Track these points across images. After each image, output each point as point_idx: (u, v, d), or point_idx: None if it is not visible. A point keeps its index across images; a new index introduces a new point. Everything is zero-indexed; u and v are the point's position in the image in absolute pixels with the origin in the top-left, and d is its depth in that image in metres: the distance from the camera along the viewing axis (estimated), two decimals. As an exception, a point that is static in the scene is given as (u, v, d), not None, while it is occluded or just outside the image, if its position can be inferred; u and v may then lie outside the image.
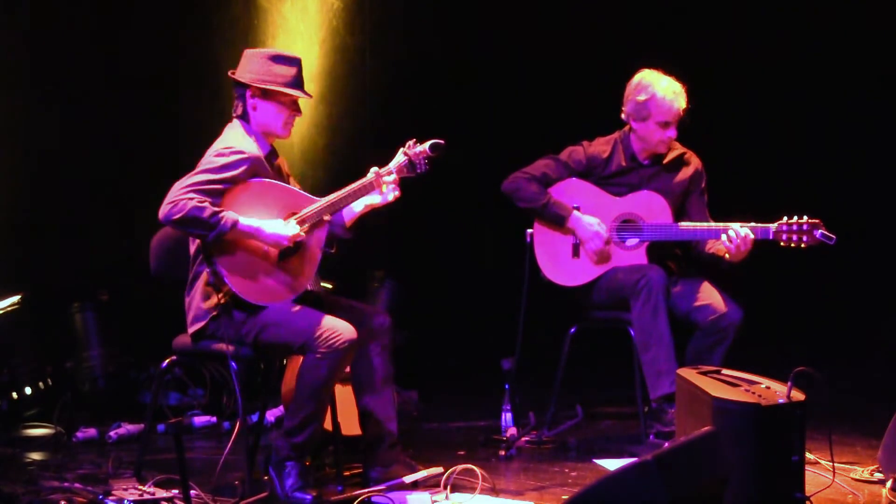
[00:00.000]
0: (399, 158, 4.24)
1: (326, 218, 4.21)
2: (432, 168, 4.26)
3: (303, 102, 4.30)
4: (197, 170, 4.09)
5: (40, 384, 5.58)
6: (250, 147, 4.16)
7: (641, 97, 4.94)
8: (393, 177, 4.22)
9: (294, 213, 4.18)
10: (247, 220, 4.05)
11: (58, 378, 5.67)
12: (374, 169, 4.23)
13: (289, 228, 4.11)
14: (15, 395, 5.49)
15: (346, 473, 4.38)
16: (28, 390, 5.53)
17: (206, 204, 3.99)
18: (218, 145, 4.16)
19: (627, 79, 5.04)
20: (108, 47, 6.04)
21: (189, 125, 6.10)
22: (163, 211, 3.99)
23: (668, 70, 5.00)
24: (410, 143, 4.25)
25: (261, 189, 4.15)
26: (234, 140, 4.17)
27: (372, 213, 4.37)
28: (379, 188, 4.22)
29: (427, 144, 4.22)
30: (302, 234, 4.15)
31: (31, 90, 5.93)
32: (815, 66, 7.21)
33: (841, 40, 7.14)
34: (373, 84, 6.92)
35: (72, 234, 6.01)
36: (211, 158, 4.11)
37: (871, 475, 4.33)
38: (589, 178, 5.07)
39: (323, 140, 6.70)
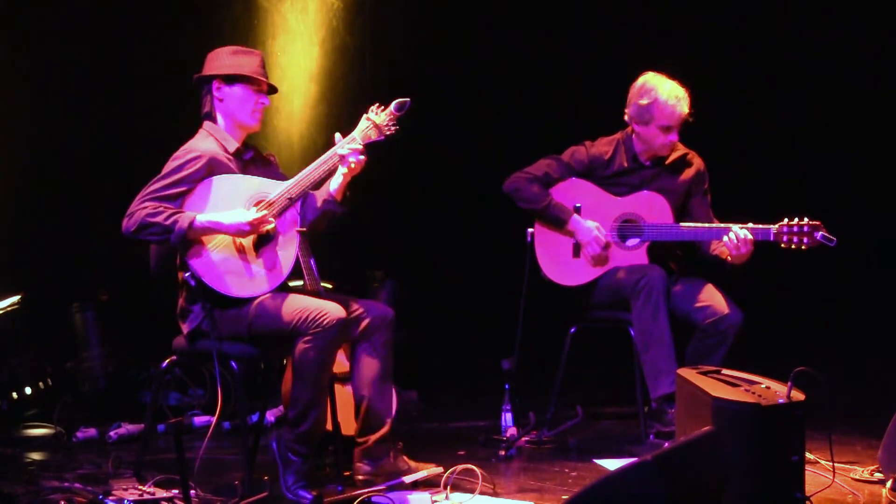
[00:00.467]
0: (362, 125, 4.19)
1: (289, 197, 4.15)
2: (401, 128, 4.20)
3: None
4: (153, 179, 4.11)
5: (40, 384, 5.58)
6: (206, 146, 4.19)
7: (644, 101, 4.94)
8: (357, 144, 4.17)
9: (261, 201, 4.18)
10: (204, 216, 4.05)
11: (58, 378, 5.67)
12: (337, 135, 4.21)
13: (248, 214, 4.08)
14: (15, 395, 5.49)
15: (346, 473, 4.37)
16: (28, 390, 5.54)
17: (161, 209, 4.01)
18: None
19: (629, 79, 5.04)
20: (107, 47, 6.04)
21: (189, 125, 6.09)
22: (122, 225, 4.04)
23: (670, 69, 5.00)
24: (373, 107, 4.22)
25: (221, 184, 4.16)
26: (191, 143, 4.21)
27: (363, 207, 4.37)
28: (343, 158, 4.16)
29: (392, 105, 4.19)
30: (268, 218, 4.11)
31: (32, 90, 5.93)
32: (816, 65, 7.21)
33: (841, 40, 7.13)
34: (373, 84, 6.92)
35: (72, 234, 6.01)
36: (166, 165, 4.14)
37: (871, 475, 4.33)
38: (590, 177, 5.07)
39: (323, 140, 6.69)
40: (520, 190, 5.05)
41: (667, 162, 5.05)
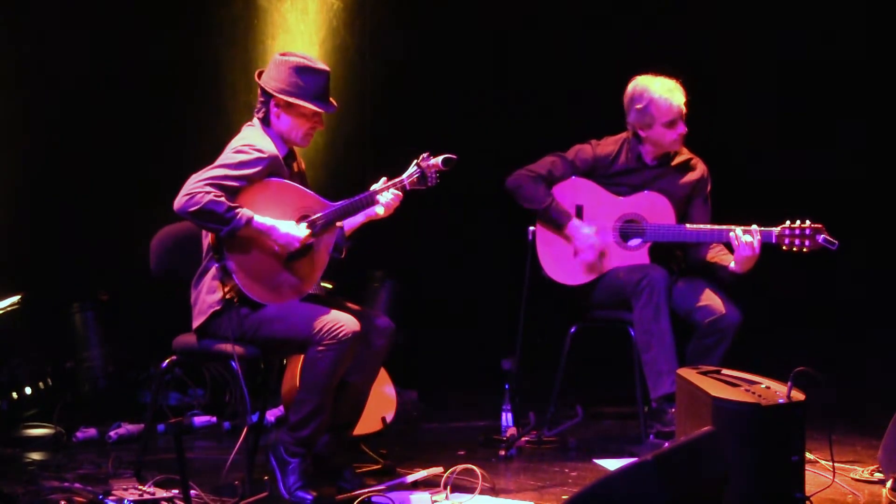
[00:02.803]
0: (412, 170, 4.28)
1: (339, 224, 4.25)
2: (441, 181, 4.30)
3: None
4: (215, 164, 4.09)
5: (40, 384, 5.58)
6: (269, 146, 4.17)
7: (640, 105, 4.95)
8: (403, 186, 4.26)
9: (306, 217, 4.19)
10: (261, 219, 4.07)
11: (58, 378, 5.67)
12: (383, 179, 4.28)
13: (301, 230, 4.13)
14: (15, 395, 5.49)
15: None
16: (28, 390, 5.53)
17: (223, 198, 4.00)
18: (237, 142, 4.17)
19: (629, 77, 5.04)
20: (107, 47, 6.03)
21: (188, 125, 6.10)
22: (179, 202, 3.99)
23: (670, 69, 5.00)
24: (424, 155, 4.29)
25: (276, 189, 4.17)
26: (254, 138, 4.18)
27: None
28: (384, 200, 4.27)
29: (440, 158, 4.26)
30: (312, 237, 4.17)
31: (31, 90, 5.93)
32: (816, 65, 7.20)
33: (840, 39, 7.13)
34: (373, 84, 6.91)
35: (72, 234, 6.01)
36: (230, 154, 4.11)
37: (871, 475, 4.33)
38: (592, 176, 5.07)
39: (323, 140, 6.69)
40: (522, 188, 5.05)
41: (671, 164, 5.05)
